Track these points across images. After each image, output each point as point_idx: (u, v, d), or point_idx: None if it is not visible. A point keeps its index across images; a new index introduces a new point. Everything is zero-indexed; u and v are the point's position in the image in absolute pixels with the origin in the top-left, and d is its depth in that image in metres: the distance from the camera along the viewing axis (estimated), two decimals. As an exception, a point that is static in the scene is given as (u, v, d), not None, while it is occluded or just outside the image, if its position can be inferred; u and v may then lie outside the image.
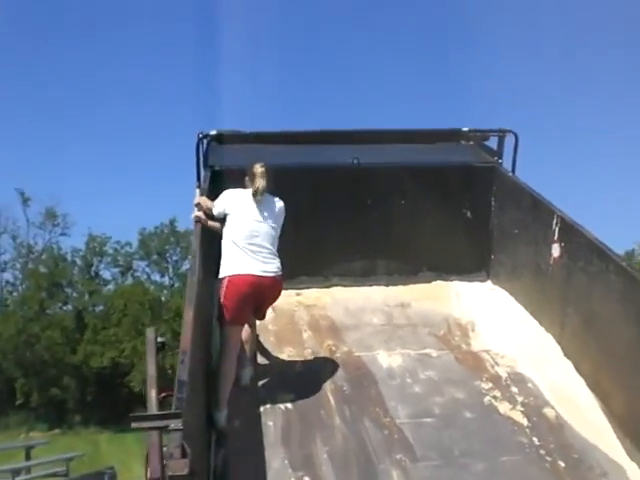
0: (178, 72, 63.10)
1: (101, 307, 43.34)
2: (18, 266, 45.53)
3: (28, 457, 20.59)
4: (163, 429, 3.33)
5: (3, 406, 37.28)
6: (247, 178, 5.63)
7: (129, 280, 44.95)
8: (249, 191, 5.59)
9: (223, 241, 5.55)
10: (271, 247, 5.57)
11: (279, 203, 5.76)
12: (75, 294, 44.23)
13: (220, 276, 5.45)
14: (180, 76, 63.51)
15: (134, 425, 3.34)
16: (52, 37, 61.27)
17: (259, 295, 5.51)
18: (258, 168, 5.59)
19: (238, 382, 5.51)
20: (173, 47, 64.37)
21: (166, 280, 45.36)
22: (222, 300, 5.38)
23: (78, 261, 44.64)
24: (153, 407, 3.63)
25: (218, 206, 5.66)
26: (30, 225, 45.13)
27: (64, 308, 43.79)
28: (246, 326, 5.64)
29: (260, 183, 5.55)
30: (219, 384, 5.30)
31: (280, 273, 5.56)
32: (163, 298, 42.70)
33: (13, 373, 39.34)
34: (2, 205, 45.08)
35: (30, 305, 41.46)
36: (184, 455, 3.13)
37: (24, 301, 42.18)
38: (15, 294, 45.10)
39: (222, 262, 5.49)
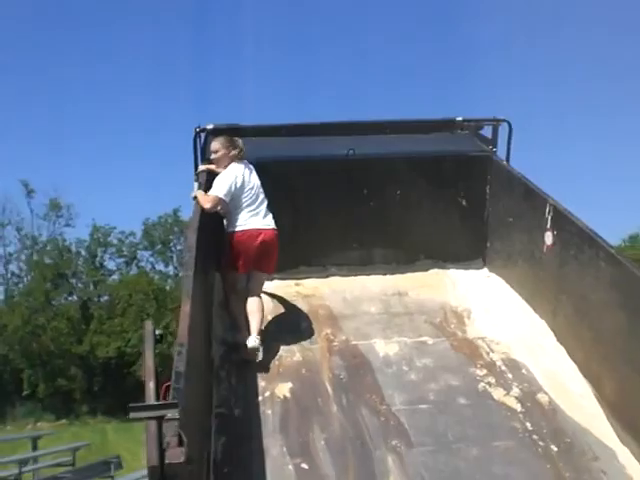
0: (184, 63, 62.96)
1: (106, 297, 43.54)
2: (23, 258, 45.68)
3: (35, 447, 20.80)
4: (161, 419, 3.42)
5: (10, 397, 37.57)
6: (224, 149, 6.26)
7: (134, 270, 45.16)
8: (234, 158, 6.26)
9: (230, 203, 6.10)
10: (266, 202, 6.24)
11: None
12: (80, 285, 44.44)
13: (230, 230, 6.14)
14: (186, 68, 63.39)
15: (132, 415, 3.44)
16: (55, 27, 61.14)
17: (263, 246, 6.14)
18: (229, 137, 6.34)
19: (249, 350, 5.88)
20: (178, 38, 64.12)
21: (170, 270, 45.57)
22: (232, 252, 6.11)
23: (83, 252, 44.86)
24: (151, 397, 3.73)
25: (226, 183, 6.08)
26: (34, 216, 45.27)
27: (69, 299, 44.03)
28: (256, 297, 6.16)
29: (241, 143, 6.33)
30: (237, 323, 6.09)
31: (275, 227, 6.25)
32: (168, 287, 42.86)
33: (20, 364, 39.58)
34: (6, 197, 45.02)
35: (35, 296, 41.63)
36: (180, 444, 3.22)
37: (29, 292, 42.35)
38: (20, 286, 45.29)
39: (231, 219, 6.17)
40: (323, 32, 65.73)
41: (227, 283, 6.34)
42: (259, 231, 6.13)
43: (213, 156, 6.35)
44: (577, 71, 64.39)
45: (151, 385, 3.74)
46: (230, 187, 6.08)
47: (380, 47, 64.39)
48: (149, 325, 4.40)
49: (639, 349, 5.07)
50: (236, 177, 6.15)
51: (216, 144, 6.35)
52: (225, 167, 6.25)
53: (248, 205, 6.16)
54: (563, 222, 6.12)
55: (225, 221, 6.30)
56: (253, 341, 5.84)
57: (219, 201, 6.05)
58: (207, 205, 6.00)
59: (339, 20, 65.26)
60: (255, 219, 6.15)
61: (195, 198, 6.10)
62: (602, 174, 61.44)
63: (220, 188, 6.07)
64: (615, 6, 62.04)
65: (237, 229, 6.13)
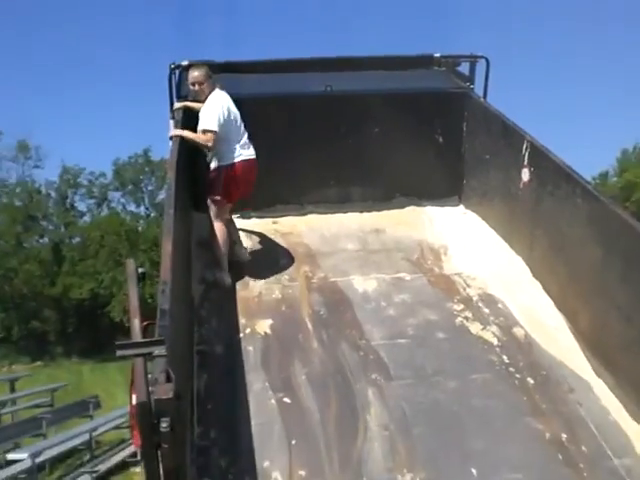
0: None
1: (78, 239, 43.23)
2: (-8, 201, 45.09)
3: (12, 389, 20.90)
4: (147, 356, 3.45)
5: (-17, 341, 37.49)
6: (208, 79, 6.17)
7: (105, 211, 44.77)
8: (215, 88, 6.19)
9: (219, 134, 6.03)
10: (246, 132, 6.27)
11: None
12: (51, 227, 44.03)
13: (225, 162, 6.15)
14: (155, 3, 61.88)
15: (119, 353, 3.45)
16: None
17: (252, 177, 6.30)
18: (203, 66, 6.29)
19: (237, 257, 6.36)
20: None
21: (142, 210, 45.21)
22: (226, 183, 6.16)
23: (52, 193, 44.29)
24: (137, 335, 3.73)
25: (216, 114, 6.03)
26: (2, 159, 44.53)
27: (40, 241, 43.65)
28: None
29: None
30: (219, 253, 6.17)
31: None
32: (140, 228, 42.60)
33: (-8, 307, 39.44)
34: (-27, 139, 44.09)
35: (6, 239, 41.24)
36: (169, 380, 3.25)
37: (0, 235, 41.94)
38: (-10, 229, 44.79)
39: (223, 150, 6.14)
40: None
41: (218, 214, 6.23)
42: (251, 161, 6.24)
43: (196, 87, 6.19)
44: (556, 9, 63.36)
45: (136, 323, 3.73)
46: (219, 118, 6.04)
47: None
48: (131, 264, 4.36)
49: (614, 283, 5.17)
50: (222, 107, 6.09)
51: (199, 74, 6.16)
52: (205, 98, 6.15)
53: (236, 135, 6.19)
54: (540, 159, 6.15)
55: (212, 153, 6.22)
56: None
57: (214, 134, 6.02)
58: (208, 143, 6.02)
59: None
60: (246, 150, 6.22)
61: (172, 138, 6.05)
62: (575, 111, 61.32)
63: (211, 120, 6.01)
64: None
65: (234, 160, 6.16)
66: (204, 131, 6.03)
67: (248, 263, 6.50)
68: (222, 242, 6.18)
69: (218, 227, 6.21)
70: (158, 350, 3.35)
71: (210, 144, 6.03)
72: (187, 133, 6.10)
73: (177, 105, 6.54)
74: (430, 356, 5.46)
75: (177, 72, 6.93)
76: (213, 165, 6.25)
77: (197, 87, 6.19)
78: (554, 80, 63.00)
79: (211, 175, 6.26)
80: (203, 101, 6.17)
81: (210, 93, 6.16)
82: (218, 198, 6.21)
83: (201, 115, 6.08)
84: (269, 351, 5.46)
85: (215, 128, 6.01)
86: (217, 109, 6.06)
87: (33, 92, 59.30)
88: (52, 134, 61.65)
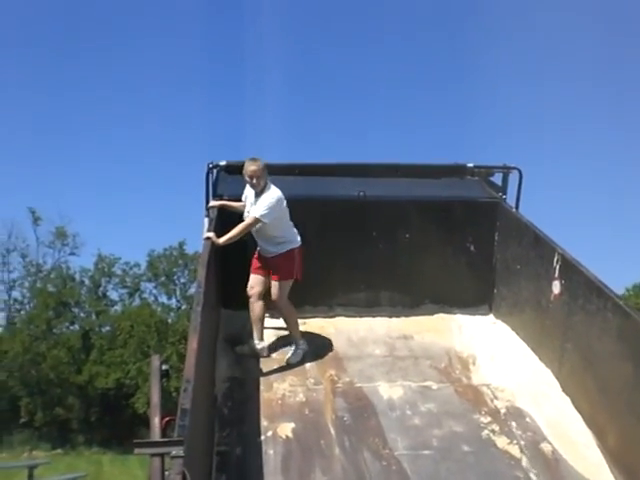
0: (197, 98, 63.46)
1: (108, 328, 43.36)
2: (27, 285, 45.55)
3: (31, 476, 20.58)
4: (165, 455, 3.42)
5: (7, 424, 37.24)
6: (264, 172, 6.41)
7: (136, 301, 44.96)
8: (268, 182, 6.47)
9: (281, 223, 6.50)
10: None
11: None
12: (82, 314, 44.26)
13: (291, 246, 6.52)
14: (199, 103, 63.94)
15: (137, 451, 3.44)
16: (67, 52, 61.33)
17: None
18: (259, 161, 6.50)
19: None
20: (193, 73, 64.57)
21: (173, 302, 45.33)
22: (295, 263, 6.53)
23: (86, 281, 44.69)
24: (156, 434, 3.72)
25: (276, 206, 6.39)
26: (40, 244, 45.26)
27: (71, 328, 43.80)
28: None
29: None
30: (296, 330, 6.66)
31: None
32: (170, 320, 42.66)
33: (18, 391, 39.27)
34: (12, 223, 45.00)
35: (37, 324, 41.48)
36: (185, 481, 3.22)
37: (31, 320, 42.19)
38: (23, 312, 45.13)
39: (285, 235, 6.54)
40: (334, 78, 65.94)
41: (285, 292, 6.56)
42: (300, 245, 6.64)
43: (253, 181, 6.38)
44: (590, 119, 64.15)
45: (156, 421, 3.74)
46: (278, 210, 6.41)
47: (388, 91, 64.51)
48: (156, 360, 4.39)
49: None
50: (282, 199, 6.46)
51: (258, 168, 6.38)
52: (261, 191, 6.39)
53: (291, 223, 6.60)
54: (571, 271, 6.13)
55: (273, 239, 6.51)
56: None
57: (262, 225, 6.38)
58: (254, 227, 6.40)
59: (350, 66, 65.62)
60: (297, 235, 6.64)
61: (207, 239, 6.18)
62: (608, 221, 61.21)
63: (270, 212, 6.34)
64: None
65: (297, 244, 6.57)
66: (257, 219, 6.29)
67: (273, 364, 6.47)
68: (296, 318, 6.68)
69: (289, 306, 6.61)
70: (176, 450, 3.33)
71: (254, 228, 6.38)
72: (228, 236, 6.31)
73: (213, 203, 6.67)
74: (454, 469, 5.33)
75: (215, 171, 7.10)
76: (278, 250, 6.51)
77: (255, 180, 6.38)
78: (591, 187, 63.00)
79: (281, 258, 6.51)
80: (258, 194, 6.38)
81: (265, 186, 6.38)
82: (291, 277, 6.55)
83: (261, 203, 6.33)
84: (290, 456, 5.36)
85: (267, 220, 6.32)
86: (279, 201, 6.40)
87: (75, 181, 60.61)
88: (90, 223, 62.75)
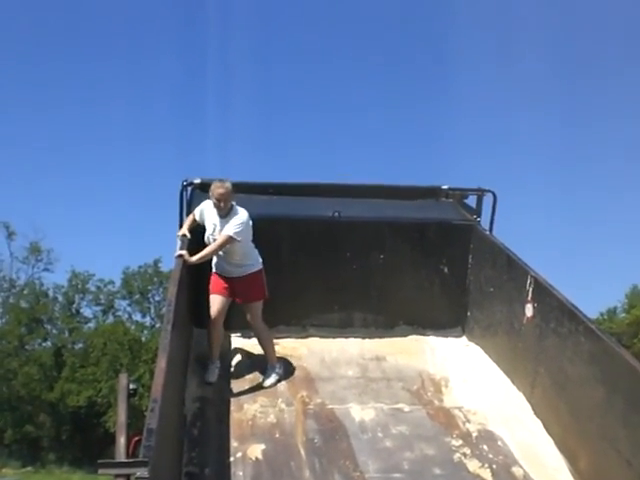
0: (171, 112, 63.43)
1: (81, 345, 42.96)
2: (-1, 300, 45.17)
3: (-2, 495, 20.29)
4: (129, 476, 3.37)
5: (-24, 442, 36.79)
6: (230, 194, 6.39)
7: (110, 319, 44.63)
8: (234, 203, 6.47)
9: (247, 245, 6.49)
10: None
11: None
12: (55, 331, 43.84)
13: (259, 266, 6.56)
14: (172, 118, 63.87)
15: (101, 471, 3.39)
16: (37, 66, 61.18)
17: None
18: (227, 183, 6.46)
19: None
20: (165, 87, 64.73)
21: (147, 320, 45.06)
22: (263, 283, 6.58)
23: (60, 297, 44.31)
24: (121, 454, 3.67)
25: (245, 227, 6.38)
26: (14, 259, 44.84)
27: (43, 344, 43.37)
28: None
29: None
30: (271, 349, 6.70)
31: None
32: (143, 338, 42.35)
33: (-12, 408, 38.87)
34: (-15, 238, 44.60)
35: (9, 340, 41.03)
36: (148, 504, 3.17)
37: (3, 336, 41.71)
38: (-6, 328, 44.67)
39: (252, 256, 6.55)
40: (304, 94, 66.31)
41: (260, 313, 6.62)
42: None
43: (221, 204, 6.34)
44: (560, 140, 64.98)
45: (122, 441, 3.68)
46: (246, 231, 6.41)
47: (363, 110, 64.99)
48: (124, 378, 4.34)
49: (615, 425, 5.05)
50: (249, 221, 6.43)
51: (226, 192, 6.33)
52: (226, 213, 6.36)
53: (253, 244, 6.58)
54: (543, 295, 6.14)
55: (238, 260, 6.49)
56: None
57: (235, 243, 6.36)
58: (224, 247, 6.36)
59: (325, 82, 66.05)
60: (259, 257, 6.64)
61: (179, 257, 6.13)
62: (584, 246, 61.75)
63: (240, 232, 6.31)
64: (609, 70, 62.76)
65: (261, 266, 6.59)
66: (231, 238, 6.27)
67: (244, 384, 6.42)
68: (272, 340, 6.73)
69: (265, 327, 6.68)
70: (140, 472, 3.27)
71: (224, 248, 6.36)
72: (200, 255, 6.30)
73: (181, 232, 6.55)
74: None
75: (189, 189, 7.06)
76: (244, 271, 6.51)
77: (222, 204, 6.34)
78: (563, 212, 63.67)
79: (249, 279, 6.54)
80: (223, 215, 6.35)
81: (232, 208, 6.37)
82: (263, 297, 6.60)
83: (233, 222, 6.30)
84: (260, 477, 5.29)
85: (240, 238, 6.31)
86: (248, 222, 6.39)
87: (50, 197, 60.25)
88: (65, 239, 62.30)
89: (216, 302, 6.47)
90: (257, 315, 6.57)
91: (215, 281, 6.55)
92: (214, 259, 6.52)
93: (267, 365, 6.63)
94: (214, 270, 6.57)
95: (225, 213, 6.35)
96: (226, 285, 6.51)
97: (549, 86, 63.69)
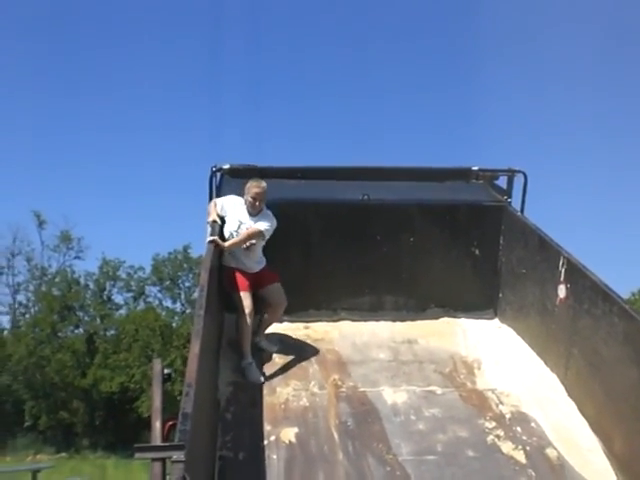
0: (201, 99, 63.42)
1: (112, 331, 43.39)
2: (31, 288, 45.61)
3: (35, 480, 20.59)
4: (166, 460, 3.39)
5: (11, 428, 37.26)
6: (263, 197, 6.51)
7: (141, 305, 44.96)
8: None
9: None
10: None
11: None
12: (87, 318, 44.27)
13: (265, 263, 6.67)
14: (203, 103, 63.88)
15: (137, 455, 3.42)
16: (69, 56, 61.44)
17: None
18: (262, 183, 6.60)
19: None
20: (195, 75, 64.55)
21: (178, 306, 45.35)
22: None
23: (91, 285, 44.67)
24: (157, 438, 3.70)
25: (272, 228, 6.52)
26: (45, 248, 45.31)
27: (75, 331, 43.83)
28: None
29: None
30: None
31: None
32: (174, 324, 42.66)
33: (22, 395, 39.33)
34: (17, 227, 45.07)
35: (42, 327, 41.49)
36: (185, 487, 3.19)
37: (36, 323, 42.21)
38: (27, 316, 45.17)
39: (263, 257, 6.65)
40: (338, 80, 65.91)
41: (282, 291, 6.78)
42: None
43: (256, 203, 6.45)
44: (595, 123, 64.02)
45: (157, 425, 3.71)
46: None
47: (392, 94, 64.45)
48: (157, 364, 4.36)
49: None
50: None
51: (262, 191, 6.47)
52: (259, 211, 6.50)
53: None
54: (576, 275, 6.08)
55: (256, 256, 6.60)
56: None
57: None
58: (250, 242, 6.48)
59: (354, 69, 65.59)
60: None
61: (212, 242, 6.16)
62: (614, 225, 60.94)
63: (270, 230, 6.49)
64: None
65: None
66: (261, 233, 6.45)
67: (277, 368, 6.44)
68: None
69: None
70: (176, 455, 3.30)
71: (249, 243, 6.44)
72: (232, 242, 6.39)
73: (211, 218, 6.56)
74: (459, 475, 5.29)
75: (218, 174, 7.07)
76: (260, 265, 6.64)
77: (257, 203, 6.46)
78: (597, 191, 62.71)
79: (265, 269, 6.67)
80: (254, 214, 6.47)
81: (262, 208, 6.52)
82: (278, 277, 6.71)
83: (266, 220, 6.48)
84: (293, 461, 5.33)
85: (267, 237, 6.49)
86: (274, 227, 6.50)
87: (80, 184, 60.48)
88: (95, 227, 62.70)
89: (247, 298, 6.44)
90: (282, 293, 6.70)
91: (240, 278, 6.50)
92: (234, 255, 6.51)
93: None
94: (234, 266, 6.52)
95: (257, 212, 6.45)
96: (250, 282, 6.51)
97: (581, 64, 62.44)
